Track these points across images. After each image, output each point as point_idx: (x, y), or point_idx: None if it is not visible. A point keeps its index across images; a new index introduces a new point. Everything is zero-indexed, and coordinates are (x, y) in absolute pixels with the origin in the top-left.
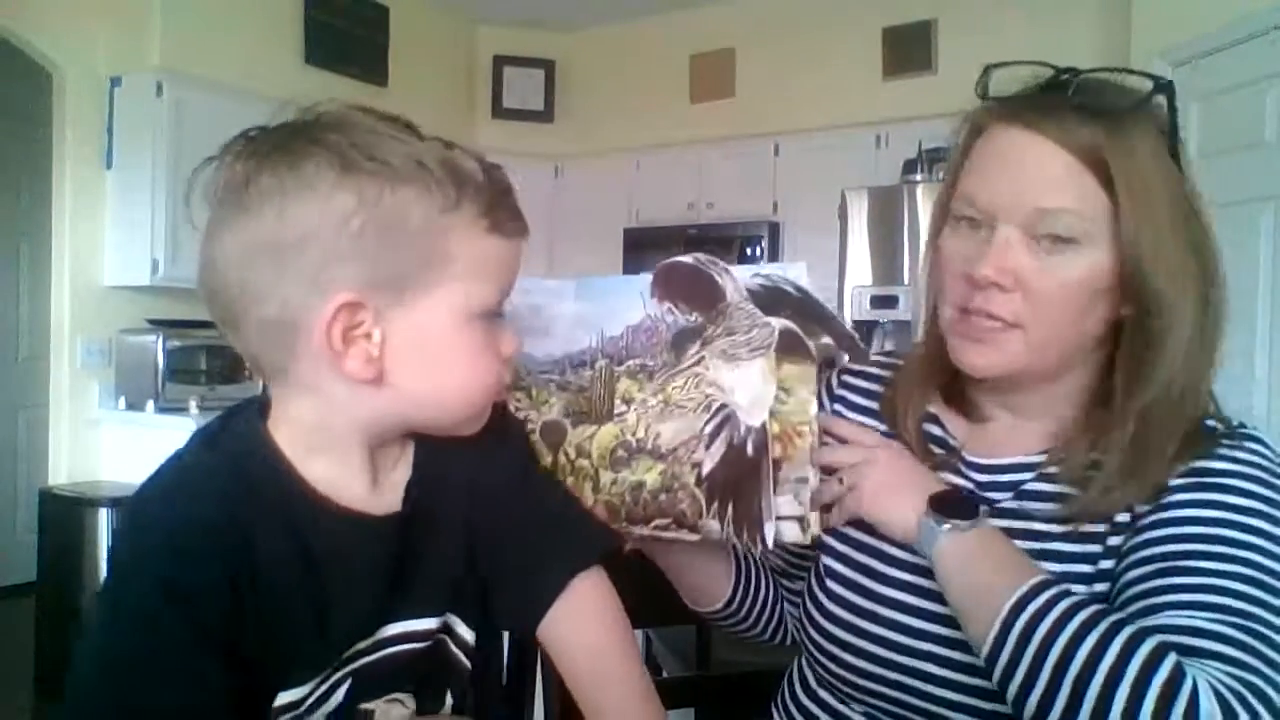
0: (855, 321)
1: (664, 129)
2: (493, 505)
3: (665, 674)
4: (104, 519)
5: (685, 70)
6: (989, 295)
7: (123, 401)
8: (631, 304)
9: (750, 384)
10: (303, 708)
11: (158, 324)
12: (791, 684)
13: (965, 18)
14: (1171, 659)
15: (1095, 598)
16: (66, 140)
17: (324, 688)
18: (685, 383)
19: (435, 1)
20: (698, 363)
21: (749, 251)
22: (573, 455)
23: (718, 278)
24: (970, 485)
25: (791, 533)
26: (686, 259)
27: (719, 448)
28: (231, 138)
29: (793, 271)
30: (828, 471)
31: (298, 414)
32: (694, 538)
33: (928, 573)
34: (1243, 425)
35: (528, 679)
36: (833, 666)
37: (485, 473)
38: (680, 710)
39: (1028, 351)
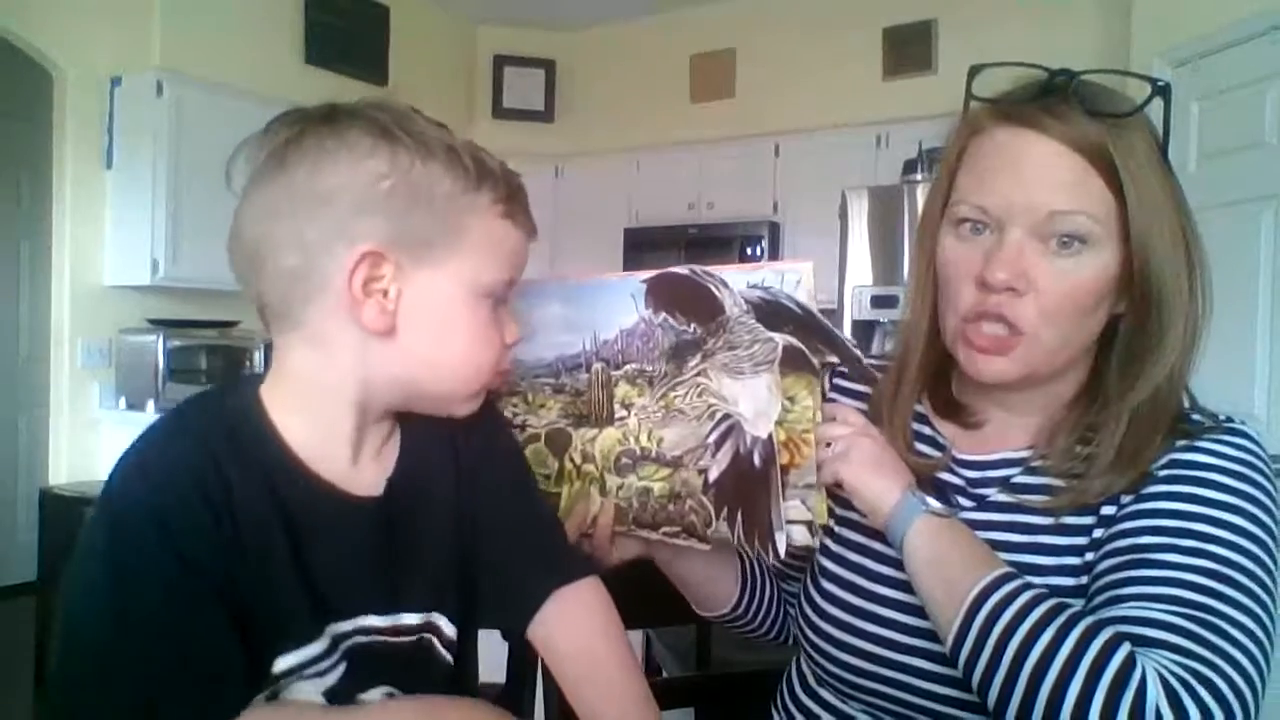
0: (855, 321)
1: (664, 129)
2: (491, 498)
3: (665, 674)
4: None
5: (685, 70)
6: (1002, 299)
7: (123, 401)
8: (624, 307)
9: (756, 398)
10: (301, 676)
11: (158, 324)
12: (791, 683)
13: (965, 18)
14: (1124, 649)
15: (1083, 590)
16: (66, 140)
17: (322, 663)
18: (687, 392)
19: (435, 1)
20: (699, 374)
21: (749, 251)
22: (578, 460)
23: (715, 290)
24: (961, 482)
25: (801, 536)
26: (682, 270)
27: (725, 455)
28: (274, 117)
29: (792, 277)
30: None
31: (296, 366)
32: (705, 547)
33: None
34: (1230, 419)
35: (527, 681)
36: (831, 665)
37: (482, 464)
38: (680, 710)
39: (1039, 356)
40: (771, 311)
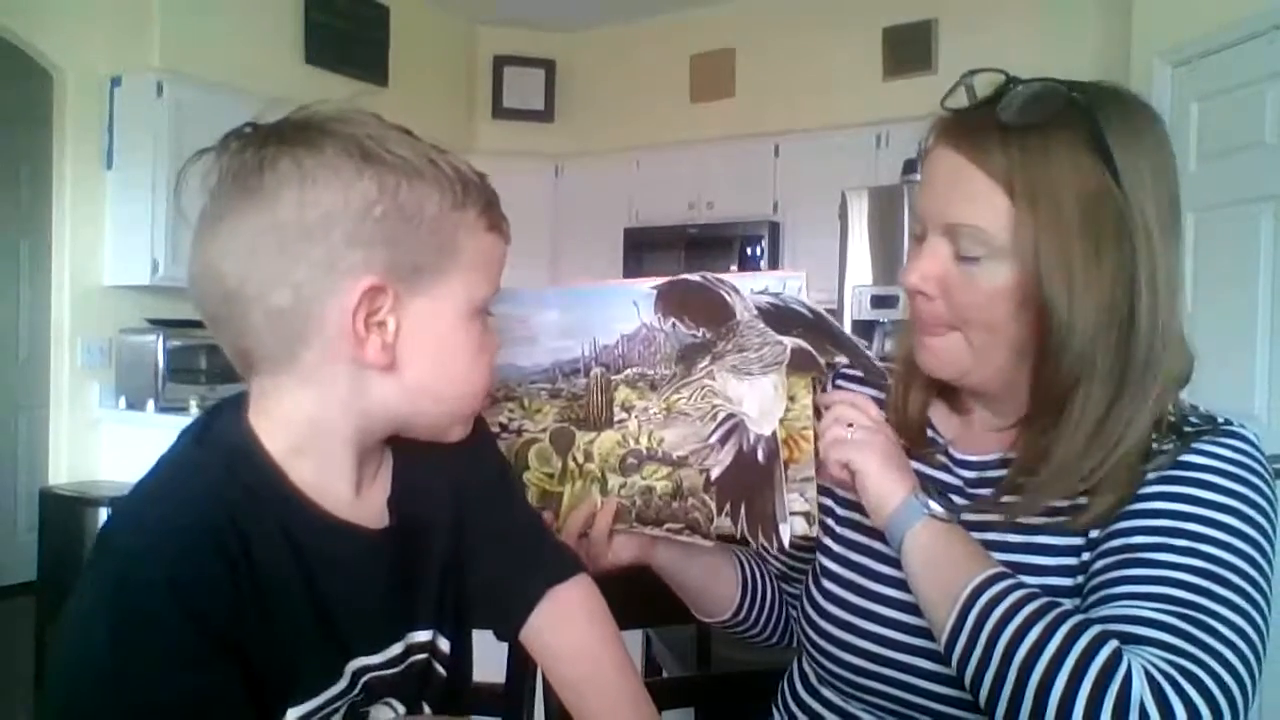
0: (855, 321)
1: (664, 129)
2: (478, 505)
3: (665, 674)
4: (104, 519)
5: (685, 70)
6: (920, 303)
7: (123, 401)
8: (625, 313)
9: (762, 397)
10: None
11: (158, 324)
12: (792, 683)
13: (965, 18)
14: (1111, 645)
15: (1080, 590)
16: (66, 140)
17: (340, 701)
18: (692, 394)
19: (435, 1)
20: (706, 375)
21: (749, 251)
22: (580, 460)
23: (726, 296)
24: (959, 482)
25: (800, 526)
26: (694, 277)
27: (729, 453)
28: (227, 132)
29: (793, 284)
30: None
31: (290, 409)
32: (707, 543)
33: None
34: (1228, 421)
35: (527, 683)
36: (833, 665)
37: (470, 474)
38: (680, 710)
39: (970, 353)
40: (781, 316)
